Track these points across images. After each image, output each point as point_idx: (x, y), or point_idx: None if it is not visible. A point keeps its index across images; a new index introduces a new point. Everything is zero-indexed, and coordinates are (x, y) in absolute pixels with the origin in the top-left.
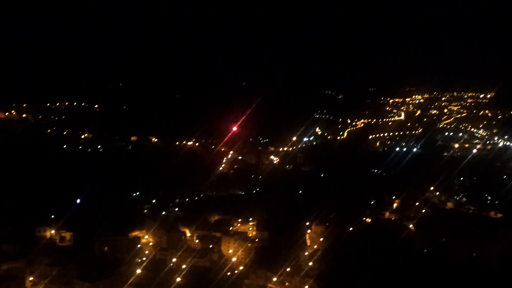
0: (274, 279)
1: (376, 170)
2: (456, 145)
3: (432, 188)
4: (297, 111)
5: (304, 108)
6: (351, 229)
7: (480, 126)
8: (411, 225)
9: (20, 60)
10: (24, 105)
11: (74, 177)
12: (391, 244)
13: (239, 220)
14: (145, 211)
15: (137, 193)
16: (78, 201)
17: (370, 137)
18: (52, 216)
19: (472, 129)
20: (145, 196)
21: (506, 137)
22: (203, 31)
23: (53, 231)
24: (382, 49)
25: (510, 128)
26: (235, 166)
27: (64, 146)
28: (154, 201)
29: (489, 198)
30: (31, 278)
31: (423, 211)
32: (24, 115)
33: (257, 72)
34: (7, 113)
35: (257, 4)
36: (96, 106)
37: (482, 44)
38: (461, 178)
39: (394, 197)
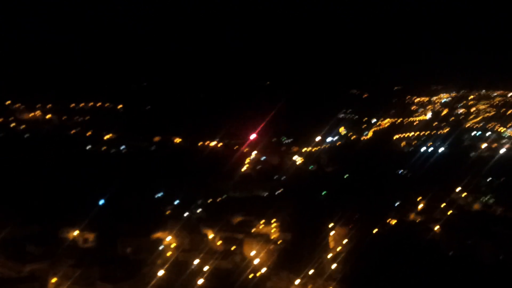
0: (297, 281)
1: (401, 171)
2: (484, 145)
3: (458, 189)
4: (321, 111)
5: (328, 108)
6: (375, 231)
7: (509, 125)
8: (436, 227)
9: (44, 61)
10: (49, 105)
11: (97, 178)
12: (416, 247)
13: (262, 221)
14: (168, 212)
15: (160, 194)
16: (101, 202)
17: (395, 137)
18: (76, 217)
19: (500, 129)
20: (168, 197)
21: None
22: (225, 32)
23: (76, 232)
24: (408, 47)
25: None
26: (258, 167)
27: (88, 147)
28: (177, 202)
29: None
30: (54, 280)
31: (449, 213)
32: (48, 116)
33: (280, 71)
34: (31, 114)
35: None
36: (119, 106)
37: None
38: (489, 179)
39: (419, 199)
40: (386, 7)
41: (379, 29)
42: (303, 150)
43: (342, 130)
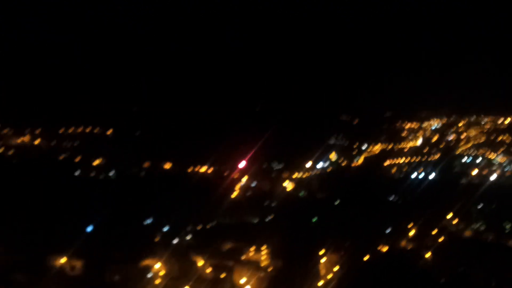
0: None
1: (392, 197)
2: (474, 172)
3: (450, 215)
4: (311, 137)
5: (318, 134)
6: (366, 258)
7: (499, 152)
8: (428, 254)
9: (33, 86)
10: (38, 131)
11: (85, 205)
12: (408, 274)
13: (252, 248)
14: (157, 239)
15: (149, 221)
16: (89, 229)
17: (386, 163)
18: (63, 244)
19: (491, 155)
20: (157, 224)
21: None
22: (214, 60)
23: (63, 260)
24: (398, 74)
25: None
26: (248, 193)
27: (76, 173)
28: (166, 229)
29: (509, 226)
30: None
31: (441, 239)
32: (36, 141)
33: (270, 97)
34: (20, 139)
35: (271, 30)
36: (108, 132)
37: (501, 67)
38: (480, 206)
39: (410, 225)
40: (376, 33)
41: (369, 55)
42: (294, 176)
43: (332, 156)
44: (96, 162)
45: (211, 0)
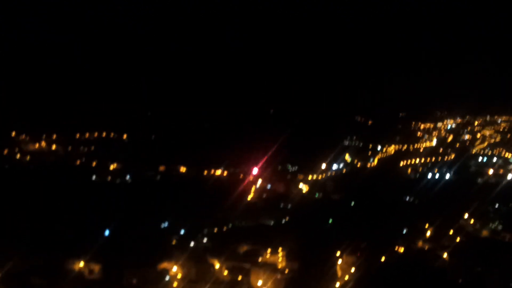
0: None
1: (408, 198)
2: (490, 171)
3: (466, 216)
4: (326, 139)
5: (333, 135)
6: (383, 259)
7: None
8: (445, 255)
9: (50, 92)
10: (54, 136)
11: (102, 209)
12: (425, 274)
13: (269, 250)
14: (174, 242)
15: (166, 224)
16: (107, 233)
17: (401, 163)
18: (81, 248)
19: (507, 154)
20: (173, 227)
21: None
22: (229, 63)
23: (81, 264)
24: (412, 74)
25: None
26: (264, 196)
27: (93, 178)
28: (182, 232)
29: None
30: None
31: (458, 240)
32: (53, 147)
33: (285, 99)
34: (37, 145)
35: (284, 32)
36: (124, 136)
37: None
38: (496, 205)
39: (427, 226)
40: (390, 35)
41: (384, 57)
42: (309, 178)
43: (347, 157)
44: (112, 167)
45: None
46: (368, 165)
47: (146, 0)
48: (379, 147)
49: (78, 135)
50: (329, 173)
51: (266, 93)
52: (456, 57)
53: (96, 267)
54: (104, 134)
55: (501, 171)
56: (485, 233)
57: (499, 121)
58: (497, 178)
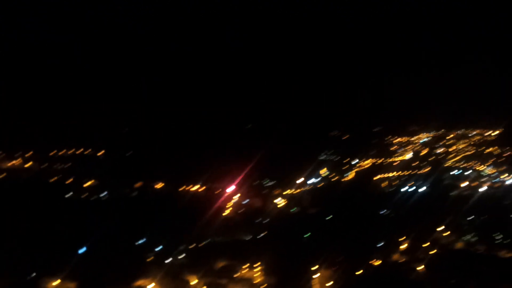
0: None
1: (383, 211)
2: (464, 184)
3: (441, 228)
4: (302, 153)
5: (309, 150)
6: (359, 272)
7: (488, 163)
8: (421, 267)
9: (24, 108)
10: (29, 153)
11: (78, 226)
12: (401, 287)
13: (246, 265)
14: (150, 259)
15: (142, 241)
16: (82, 250)
17: (377, 177)
18: (56, 267)
19: (480, 167)
20: (150, 244)
21: None
22: (206, 77)
23: (57, 282)
24: (387, 88)
25: None
26: (241, 210)
27: (68, 195)
28: (159, 248)
29: (499, 237)
30: None
31: (433, 252)
32: (28, 164)
33: (261, 114)
34: (11, 162)
35: (259, 49)
36: (100, 153)
37: (488, 80)
38: (470, 218)
39: (402, 239)
40: (365, 49)
41: (357, 70)
42: (285, 192)
43: (323, 171)
44: (88, 184)
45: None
46: (344, 178)
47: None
48: (354, 161)
49: (53, 152)
50: (305, 187)
51: (241, 108)
52: (430, 71)
53: (72, 286)
54: (79, 151)
55: (475, 183)
56: (460, 245)
57: (472, 134)
58: (471, 191)
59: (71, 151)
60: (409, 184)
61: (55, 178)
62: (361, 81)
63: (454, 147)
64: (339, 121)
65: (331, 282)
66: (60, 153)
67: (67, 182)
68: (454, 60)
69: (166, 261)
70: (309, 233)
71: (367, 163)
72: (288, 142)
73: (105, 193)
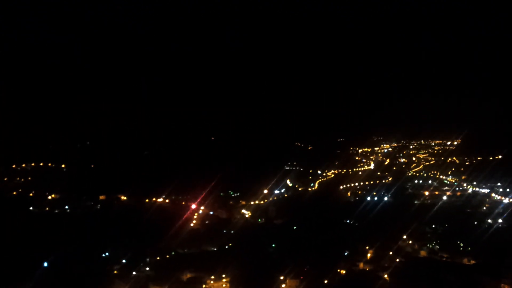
0: None
1: (348, 221)
2: (426, 193)
3: (404, 236)
4: (267, 164)
5: (274, 161)
6: (326, 281)
7: (449, 173)
8: (386, 275)
9: None
10: None
11: (40, 240)
12: None
13: (212, 277)
14: (115, 272)
15: (106, 254)
16: (45, 264)
17: (341, 187)
18: (20, 281)
19: (441, 176)
20: (114, 257)
21: (474, 183)
22: (180, 91)
23: None
24: (349, 100)
25: (478, 174)
26: (206, 222)
27: (30, 208)
28: (124, 261)
29: (462, 245)
30: None
31: (397, 260)
32: None
33: (225, 126)
34: None
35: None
36: (63, 166)
37: (446, 93)
38: (433, 226)
39: (367, 247)
40: (330, 65)
41: (325, 85)
42: (251, 203)
43: (288, 182)
44: (51, 197)
45: None
46: (309, 189)
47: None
48: (319, 172)
49: (14, 166)
50: (271, 198)
51: (207, 121)
52: (391, 84)
53: None
54: (41, 164)
55: (437, 192)
56: (423, 253)
57: (433, 145)
58: (433, 199)
59: (32, 165)
60: (373, 194)
61: (16, 192)
62: (326, 95)
63: (415, 157)
64: (303, 132)
65: None
66: (22, 166)
67: (29, 195)
68: (415, 73)
69: (132, 274)
70: (275, 244)
71: (331, 173)
72: (253, 154)
73: (68, 206)
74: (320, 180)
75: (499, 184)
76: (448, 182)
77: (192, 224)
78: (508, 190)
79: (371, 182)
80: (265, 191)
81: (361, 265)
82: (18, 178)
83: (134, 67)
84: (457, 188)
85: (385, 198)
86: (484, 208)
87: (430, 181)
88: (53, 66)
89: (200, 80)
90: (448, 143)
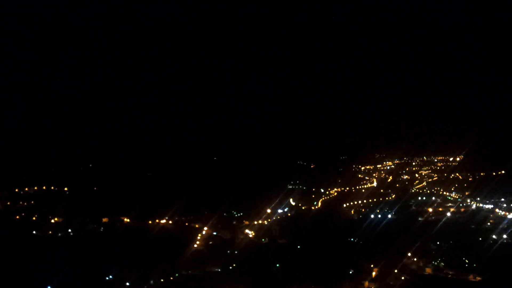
0: None
1: (352, 239)
2: (430, 209)
3: (409, 254)
4: (270, 183)
5: (276, 180)
6: None
7: (452, 189)
8: None
9: None
10: None
11: (44, 263)
12: None
13: None
14: None
15: (110, 277)
16: None
17: (344, 205)
18: None
19: (445, 193)
20: (118, 279)
21: (478, 199)
22: (180, 112)
23: None
24: (350, 117)
25: (482, 190)
26: (210, 242)
27: (34, 232)
28: (127, 284)
29: (467, 261)
30: None
31: (402, 278)
32: None
33: (226, 145)
34: None
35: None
36: (65, 189)
37: (448, 109)
38: (438, 243)
39: (372, 265)
40: (328, 81)
41: (325, 103)
42: (255, 223)
43: (291, 201)
44: (54, 220)
45: None
46: (312, 207)
47: None
48: (322, 190)
49: (17, 189)
50: (274, 217)
51: (208, 140)
52: (393, 100)
53: None
54: (44, 187)
55: (440, 209)
56: (428, 270)
57: (435, 161)
58: (437, 216)
59: (35, 188)
60: (376, 211)
61: (19, 215)
62: (327, 113)
63: (418, 174)
64: (305, 151)
65: None
66: (24, 190)
67: (32, 218)
68: (417, 90)
69: None
70: (279, 263)
71: (334, 191)
72: (255, 173)
73: (71, 229)
74: (323, 199)
75: (502, 199)
76: (452, 198)
77: (195, 245)
78: None
79: (374, 200)
80: (268, 211)
81: (366, 283)
82: (21, 202)
83: (137, 89)
84: (461, 204)
85: (389, 216)
86: (489, 223)
87: (433, 198)
88: (56, 92)
89: (200, 100)
90: (451, 159)
